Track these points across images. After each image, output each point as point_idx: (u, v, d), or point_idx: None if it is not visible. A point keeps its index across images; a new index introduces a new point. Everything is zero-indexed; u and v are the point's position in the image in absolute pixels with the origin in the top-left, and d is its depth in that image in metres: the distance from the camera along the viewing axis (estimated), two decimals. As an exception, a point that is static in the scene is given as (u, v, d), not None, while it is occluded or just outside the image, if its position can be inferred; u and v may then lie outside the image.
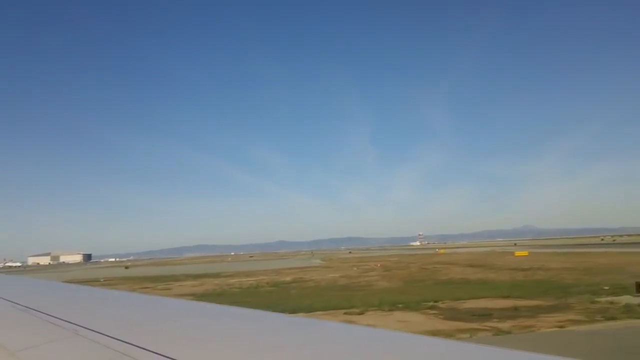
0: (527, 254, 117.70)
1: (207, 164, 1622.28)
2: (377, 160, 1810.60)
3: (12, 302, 5.46)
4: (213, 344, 3.00)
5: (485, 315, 34.91)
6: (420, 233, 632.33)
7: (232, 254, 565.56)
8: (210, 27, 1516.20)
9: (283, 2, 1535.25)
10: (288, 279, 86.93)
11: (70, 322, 3.88)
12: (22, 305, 5.11)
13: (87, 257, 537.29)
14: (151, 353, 2.75)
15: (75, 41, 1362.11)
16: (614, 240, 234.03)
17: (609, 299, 40.02)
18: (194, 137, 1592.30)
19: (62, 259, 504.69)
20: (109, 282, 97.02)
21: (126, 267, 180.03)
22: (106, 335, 3.31)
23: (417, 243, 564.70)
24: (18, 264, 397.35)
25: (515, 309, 36.95)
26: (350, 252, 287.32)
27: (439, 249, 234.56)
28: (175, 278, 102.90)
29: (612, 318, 30.74)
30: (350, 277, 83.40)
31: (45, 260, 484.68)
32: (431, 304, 42.48)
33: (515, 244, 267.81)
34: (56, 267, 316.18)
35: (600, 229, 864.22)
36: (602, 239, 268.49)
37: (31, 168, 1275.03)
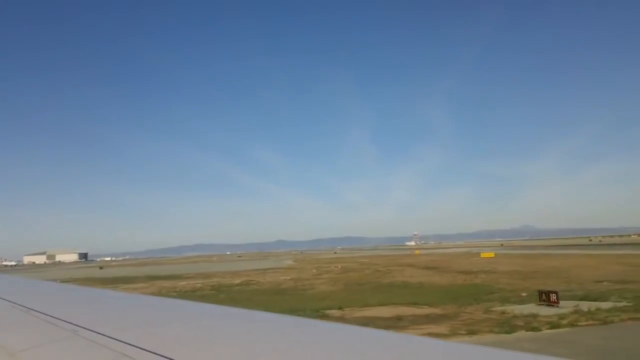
0: (493, 255, 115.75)
1: (207, 163, 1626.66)
2: (376, 160, 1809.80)
3: (12, 302, 5.43)
4: (213, 344, 2.99)
5: (361, 325, 32.99)
6: (416, 233, 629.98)
7: (228, 253, 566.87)
8: (209, 26, 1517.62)
9: (283, 0, 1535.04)
10: (237, 281, 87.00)
11: (70, 323, 3.85)
12: (22, 306, 5.09)
13: (83, 256, 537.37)
14: (151, 354, 2.75)
15: (74, 39, 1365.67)
16: (600, 241, 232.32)
17: (508, 307, 37.97)
18: (194, 136, 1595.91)
19: (58, 258, 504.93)
20: (66, 283, 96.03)
21: (100, 268, 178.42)
22: (106, 335, 3.29)
23: (413, 243, 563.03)
24: (13, 263, 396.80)
25: (399, 318, 35.07)
26: (335, 252, 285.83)
27: (416, 249, 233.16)
28: (131, 280, 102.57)
29: (473, 332, 28.64)
30: (298, 280, 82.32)
31: (41, 260, 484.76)
32: (332, 311, 40.84)
33: (502, 245, 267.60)
34: (46, 266, 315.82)
35: (600, 229, 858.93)
36: (590, 240, 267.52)
37: (29, 166, 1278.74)
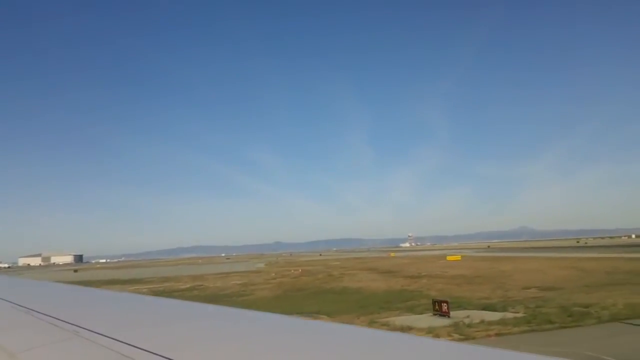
0: (459, 258, 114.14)
1: (206, 165, 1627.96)
2: (375, 162, 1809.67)
3: (13, 303, 5.42)
4: (213, 345, 3.01)
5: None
6: (410, 234, 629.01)
7: (223, 255, 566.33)
8: (208, 28, 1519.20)
9: (281, 2, 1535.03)
10: (187, 286, 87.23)
11: (71, 324, 3.85)
12: (23, 307, 5.08)
13: (78, 258, 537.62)
14: (152, 354, 2.77)
15: (73, 40, 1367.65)
16: (585, 243, 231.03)
17: (400, 318, 36.48)
18: (193, 138, 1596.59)
19: (53, 260, 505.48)
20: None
21: (75, 271, 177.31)
22: (107, 336, 3.31)
23: (407, 244, 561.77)
24: (6, 265, 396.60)
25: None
26: (320, 255, 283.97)
27: (391, 252, 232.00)
28: (90, 284, 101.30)
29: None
30: (245, 285, 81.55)
31: (36, 262, 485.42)
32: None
33: (489, 247, 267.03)
34: (33, 269, 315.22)
35: (597, 230, 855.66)
36: (578, 242, 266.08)
37: (27, 168, 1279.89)
